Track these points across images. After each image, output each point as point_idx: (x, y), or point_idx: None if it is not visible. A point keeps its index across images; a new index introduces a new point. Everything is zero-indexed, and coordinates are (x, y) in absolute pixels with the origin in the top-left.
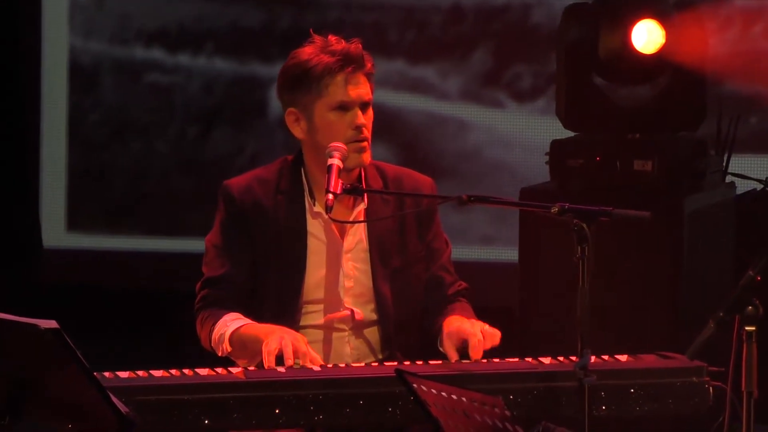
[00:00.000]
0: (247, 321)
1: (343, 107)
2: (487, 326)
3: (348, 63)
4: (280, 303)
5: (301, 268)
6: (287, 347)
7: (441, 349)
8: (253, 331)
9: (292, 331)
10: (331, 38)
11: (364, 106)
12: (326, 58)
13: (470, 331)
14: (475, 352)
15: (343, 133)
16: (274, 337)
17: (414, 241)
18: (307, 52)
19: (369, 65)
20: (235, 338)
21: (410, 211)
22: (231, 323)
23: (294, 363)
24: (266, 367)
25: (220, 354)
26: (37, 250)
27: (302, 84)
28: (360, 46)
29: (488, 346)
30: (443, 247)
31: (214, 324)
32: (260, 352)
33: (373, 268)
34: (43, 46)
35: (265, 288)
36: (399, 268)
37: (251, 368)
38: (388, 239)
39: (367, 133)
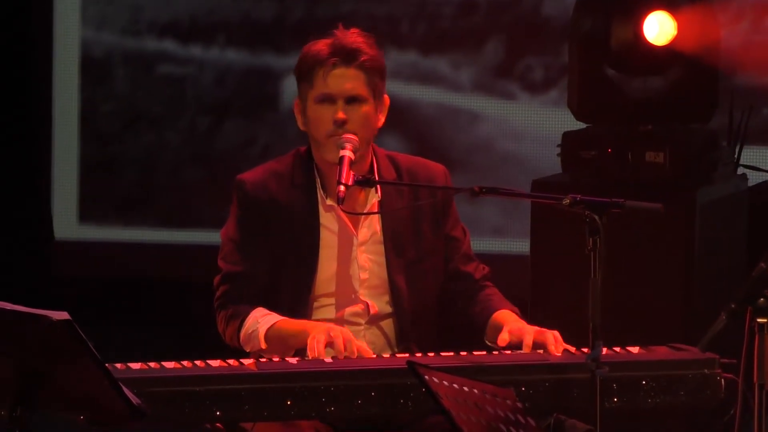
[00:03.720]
0: (279, 317)
1: (326, 99)
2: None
3: (334, 55)
4: (295, 296)
5: (313, 261)
6: (338, 339)
7: (488, 341)
8: (294, 326)
9: (337, 326)
10: (346, 31)
11: (350, 99)
12: (319, 49)
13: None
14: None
15: (324, 127)
16: (321, 329)
17: (429, 231)
18: (314, 42)
19: (363, 58)
20: (272, 334)
21: (424, 202)
22: (263, 319)
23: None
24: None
25: (248, 350)
26: (49, 242)
27: (301, 74)
28: (356, 39)
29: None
30: (462, 236)
31: (243, 320)
32: (295, 348)
33: (388, 260)
34: (55, 38)
35: (280, 282)
36: (414, 259)
37: (262, 359)
38: (403, 230)
39: (352, 127)
